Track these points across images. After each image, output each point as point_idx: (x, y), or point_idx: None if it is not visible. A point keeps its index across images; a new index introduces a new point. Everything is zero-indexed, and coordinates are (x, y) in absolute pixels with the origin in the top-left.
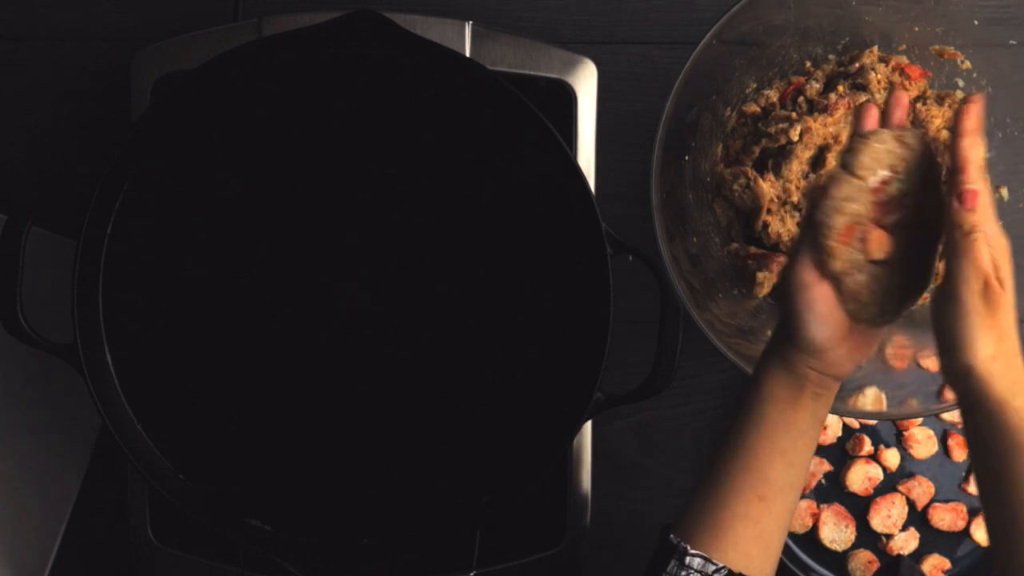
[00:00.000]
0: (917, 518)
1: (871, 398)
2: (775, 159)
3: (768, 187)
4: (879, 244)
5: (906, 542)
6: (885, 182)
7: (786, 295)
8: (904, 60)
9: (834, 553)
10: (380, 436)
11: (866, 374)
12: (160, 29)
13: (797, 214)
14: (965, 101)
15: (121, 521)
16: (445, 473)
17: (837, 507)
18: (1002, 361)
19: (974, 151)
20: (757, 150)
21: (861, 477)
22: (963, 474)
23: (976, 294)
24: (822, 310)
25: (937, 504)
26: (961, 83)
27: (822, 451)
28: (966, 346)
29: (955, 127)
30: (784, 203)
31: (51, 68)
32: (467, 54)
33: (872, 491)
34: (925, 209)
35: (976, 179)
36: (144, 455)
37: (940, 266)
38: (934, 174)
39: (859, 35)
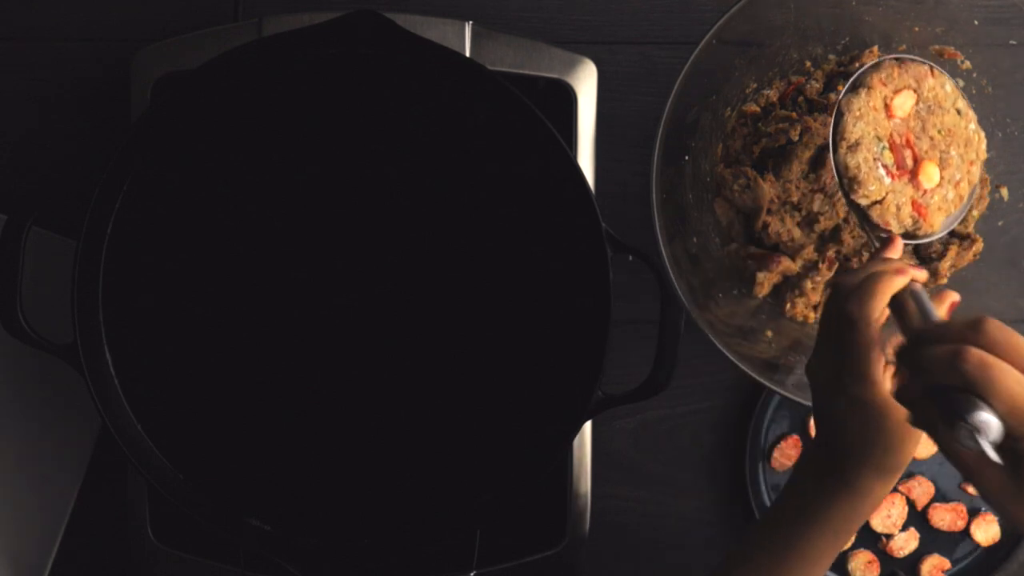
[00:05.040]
0: (917, 518)
1: None
2: (775, 159)
3: (768, 187)
4: None
5: (906, 542)
6: None
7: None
8: None
9: None
10: (380, 436)
11: None
12: (160, 29)
13: (797, 214)
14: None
15: (121, 521)
16: (445, 473)
17: None
18: None
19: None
20: (757, 150)
21: None
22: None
23: None
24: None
25: (937, 504)
26: (961, 83)
27: None
28: None
29: None
30: (784, 203)
31: (51, 68)
32: (467, 54)
33: None
34: None
35: None
36: (144, 455)
37: None
38: None
39: (859, 35)
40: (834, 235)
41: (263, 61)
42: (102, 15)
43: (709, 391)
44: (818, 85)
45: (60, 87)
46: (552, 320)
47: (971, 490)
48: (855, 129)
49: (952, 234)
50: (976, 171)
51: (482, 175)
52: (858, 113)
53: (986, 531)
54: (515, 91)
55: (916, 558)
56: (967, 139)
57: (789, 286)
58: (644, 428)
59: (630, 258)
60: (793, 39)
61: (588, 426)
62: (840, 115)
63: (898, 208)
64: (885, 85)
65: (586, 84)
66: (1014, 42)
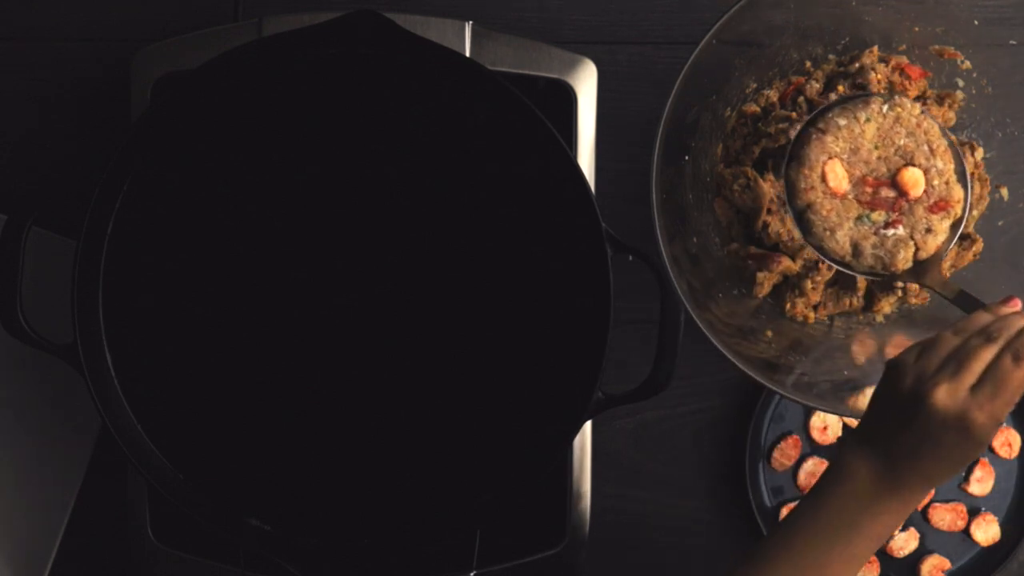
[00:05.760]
0: (917, 518)
1: (871, 398)
2: (775, 159)
3: (768, 187)
4: None
5: (906, 542)
6: None
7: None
8: (904, 60)
9: None
10: (381, 436)
11: (866, 374)
12: (160, 29)
13: None
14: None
15: (121, 521)
16: (445, 473)
17: None
18: None
19: None
20: (757, 150)
21: None
22: (963, 474)
23: None
24: None
25: (937, 504)
26: (961, 83)
27: (822, 451)
28: None
29: None
30: (784, 203)
31: (51, 68)
32: (467, 54)
33: None
34: None
35: None
36: (144, 455)
37: None
38: None
39: (859, 35)
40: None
41: (263, 61)
42: (102, 15)
43: (709, 391)
44: (818, 85)
45: (60, 87)
46: (552, 320)
47: (971, 490)
48: (838, 241)
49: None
50: (932, 127)
51: (482, 175)
52: (825, 231)
53: (986, 531)
54: (515, 91)
55: (916, 558)
56: (900, 120)
57: (789, 286)
58: (644, 428)
59: (630, 258)
60: (793, 39)
61: (588, 426)
62: (824, 251)
63: (928, 230)
64: (810, 191)
65: (586, 84)
66: (1014, 42)
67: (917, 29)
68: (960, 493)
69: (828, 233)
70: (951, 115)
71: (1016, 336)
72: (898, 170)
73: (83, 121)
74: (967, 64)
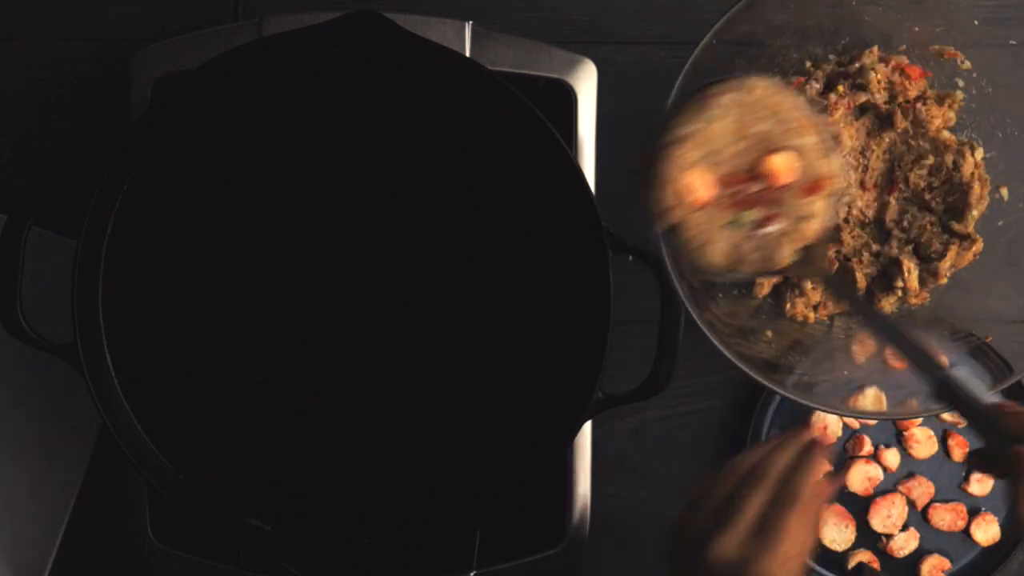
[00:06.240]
0: (917, 518)
1: (871, 398)
2: None
3: None
4: None
5: (906, 542)
6: None
7: None
8: (904, 60)
9: (834, 553)
10: (381, 436)
11: (866, 374)
12: (160, 29)
13: None
14: None
15: (121, 521)
16: (445, 473)
17: (837, 507)
18: None
19: None
20: None
21: (861, 477)
22: (963, 474)
23: None
24: None
25: (937, 504)
26: (961, 83)
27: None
28: None
29: None
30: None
31: (51, 68)
32: (467, 54)
33: (872, 491)
34: None
35: None
36: (144, 455)
37: None
38: None
39: (859, 35)
40: (834, 235)
41: (263, 61)
42: (102, 15)
43: (709, 391)
44: (818, 85)
45: (60, 87)
46: (552, 320)
47: (971, 490)
48: (715, 254)
49: (952, 234)
50: (790, 100)
51: (482, 175)
52: (698, 248)
53: (986, 531)
54: (515, 91)
55: (916, 558)
56: (760, 102)
57: (789, 286)
58: (644, 428)
59: (630, 258)
60: (793, 39)
61: (588, 426)
62: (702, 269)
63: (803, 217)
64: (671, 211)
65: (586, 84)
66: (1014, 42)
67: (917, 29)
68: (960, 493)
69: (702, 248)
70: (951, 115)
71: (780, 478)
72: (762, 157)
73: (83, 121)
74: (967, 64)
